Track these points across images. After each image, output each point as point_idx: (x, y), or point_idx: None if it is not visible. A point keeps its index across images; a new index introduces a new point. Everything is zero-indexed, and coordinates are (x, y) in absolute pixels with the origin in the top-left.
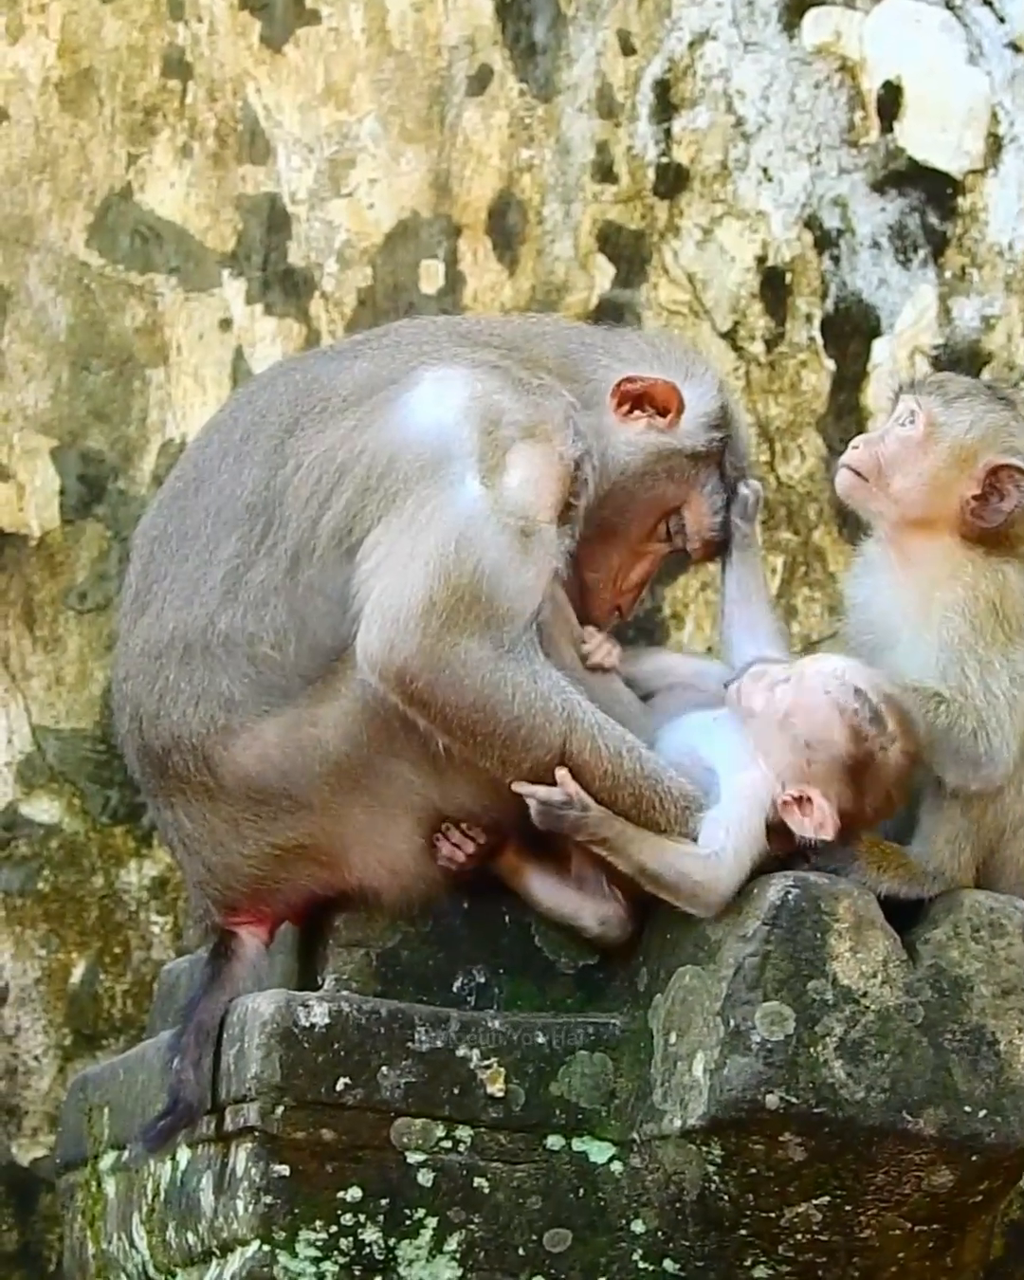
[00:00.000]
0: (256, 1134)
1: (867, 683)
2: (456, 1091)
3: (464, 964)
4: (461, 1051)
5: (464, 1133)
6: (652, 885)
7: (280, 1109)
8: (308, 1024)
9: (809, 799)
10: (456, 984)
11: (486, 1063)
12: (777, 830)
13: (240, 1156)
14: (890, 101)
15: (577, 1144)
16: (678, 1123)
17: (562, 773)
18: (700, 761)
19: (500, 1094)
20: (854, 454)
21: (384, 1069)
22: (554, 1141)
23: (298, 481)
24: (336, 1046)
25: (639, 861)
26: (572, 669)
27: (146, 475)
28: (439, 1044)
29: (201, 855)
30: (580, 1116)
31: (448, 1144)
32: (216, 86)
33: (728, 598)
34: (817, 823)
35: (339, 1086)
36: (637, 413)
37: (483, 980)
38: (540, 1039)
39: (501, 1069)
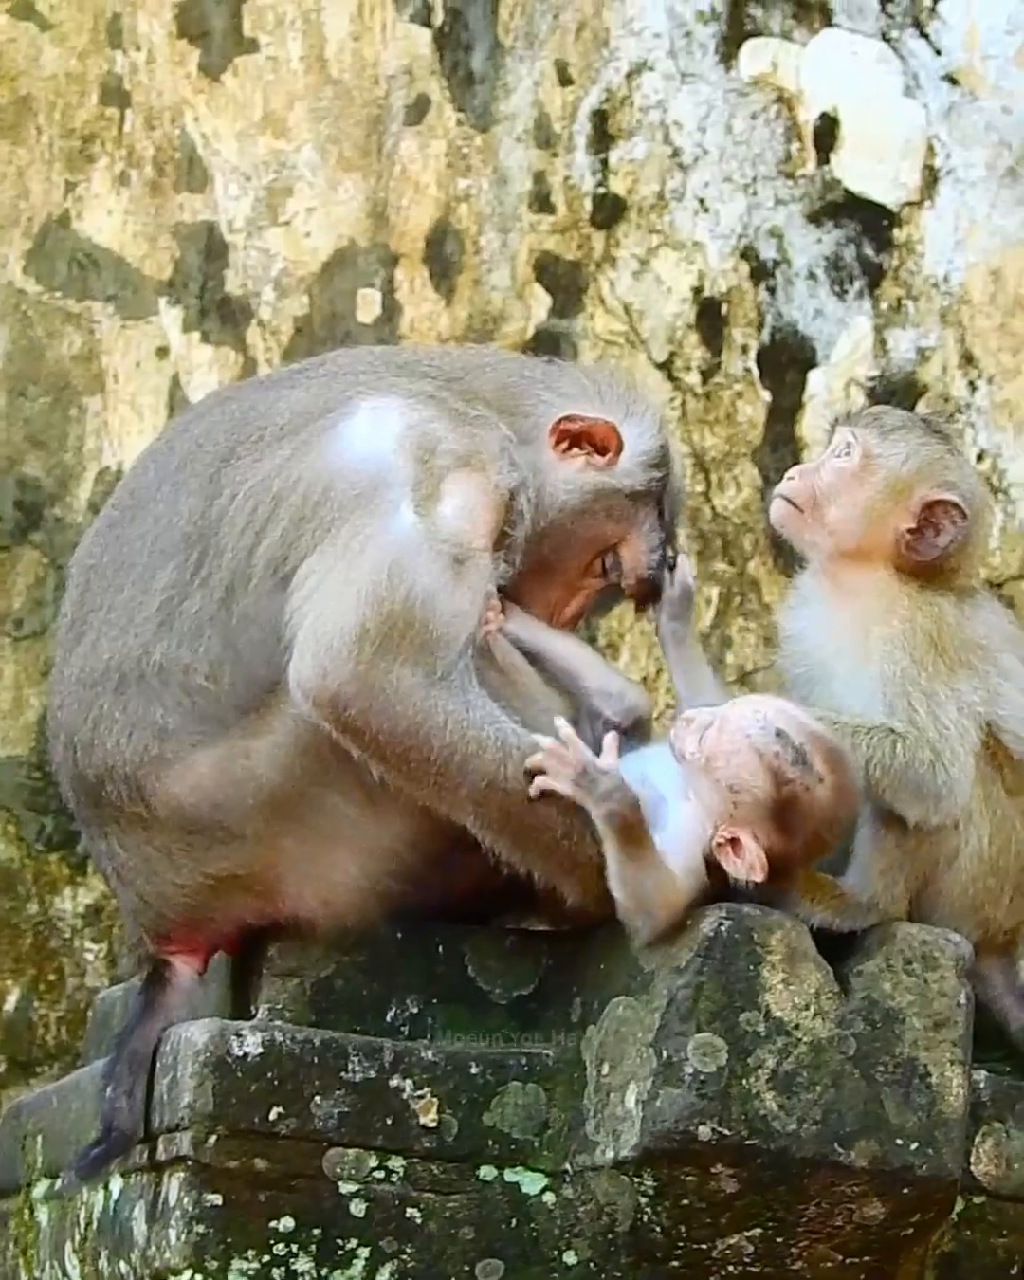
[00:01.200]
0: (189, 1163)
1: (791, 723)
2: (390, 1121)
3: (398, 994)
4: (395, 1081)
5: (397, 1163)
6: (617, 885)
7: (213, 1138)
8: (241, 1053)
9: (739, 841)
10: (390, 1014)
11: (420, 1093)
12: (713, 866)
13: (173, 1185)
14: (827, 133)
15: (509, 1175)
16: (610, 1154)
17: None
18: (653, 789)
19: (433, 1124)
20: (790, 484)
21: (317, 1099)
22: (487, 1172)
23: (233, 511)
24: (270, 1076)
25: (622, 857)
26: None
27: (83, 503)
28: (372, 1074)
29: (135, 885)
30: (513, 1147)
31: (380, 1174)
32: (154, 115)
33: (679, 692)
34: (747, 865)
35: (272, 1116)
36: (575, 451)
37: (417, 1010)
38: (474, 1069)
39: (435, 1099)
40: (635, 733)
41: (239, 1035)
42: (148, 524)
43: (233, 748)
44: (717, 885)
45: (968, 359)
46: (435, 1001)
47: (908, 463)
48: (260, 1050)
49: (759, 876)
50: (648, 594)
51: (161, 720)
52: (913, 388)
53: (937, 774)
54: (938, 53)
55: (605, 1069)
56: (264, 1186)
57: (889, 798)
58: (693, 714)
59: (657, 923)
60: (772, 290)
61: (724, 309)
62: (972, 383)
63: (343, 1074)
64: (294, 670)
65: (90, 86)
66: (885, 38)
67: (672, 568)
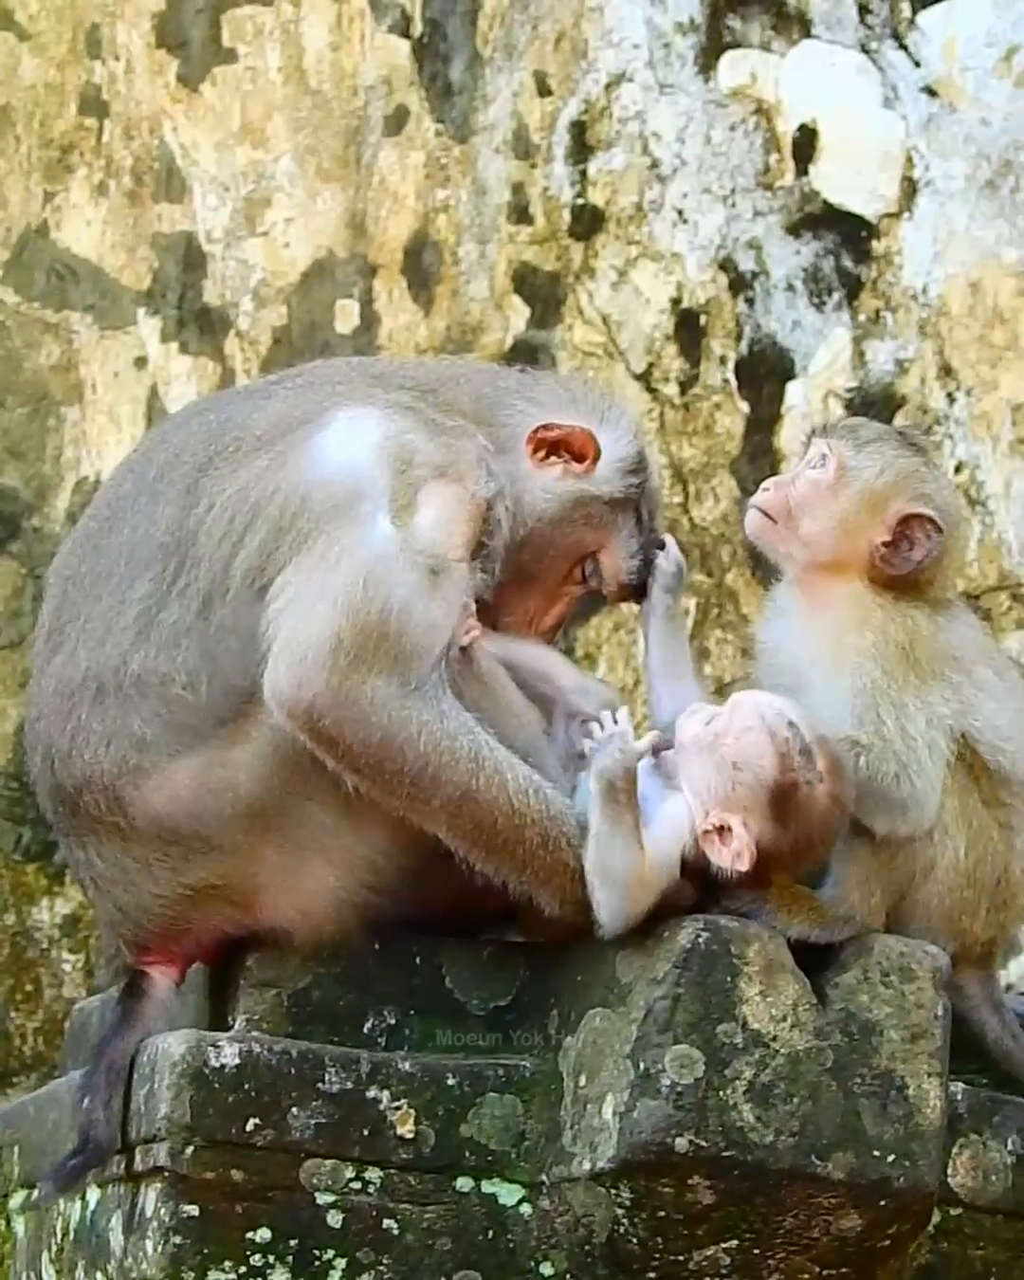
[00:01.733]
0: (166, 1174)
1: (802, 721)
2: (366, 1133)
3: (375, 1005)
4: (372, 1093)
5: (374, 1174)
6: (591, 856)
7: (190, 1149)
8: (218, 1064)
9: (729, 828)
10: (368, 1025)
11: (397, 1104)
12: (691, 869)
13: (150, 1196)
14: (806, 144)
15: (486, 1186)
16: (587, 1165)
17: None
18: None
19: (410, 1135)
20: (765, 496)
21: (294, 1110)
22: (464, 1183)
23: (211, 521)
24: (247, 1087)
25: (606, 821)
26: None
27: (61, 513)
28: (349, 1085)
29: (113, 895)
30: (490, 1158)
31: (357, 1185)
32: (133, 125)
33: (653, 669)
34: (734, 851)
35: (249, 1127)
36: (553, 459)
37: (394, 1021)
38: (450, 1080)
39: (412, 1110)
40: None
41: (216, 1046)
42: (125, 534)
43: (211, 758)
44: (694, 891)
45: (946, 371)
46: (413, 1013)
47: (883, 475)
48: (237, 1061)
49: (744, 866)
50: (627, 599)
51: (139, 731)
52: (891, 399)
53: (901, 786)
54: (917, 64)
55: (582, 1080)
56: (241, 1197)
57: (857, 809)
58: (700, 706)
59: (620, 903)
60: (750, 302)
61: (702, 320)
62: (950, 394)
63: (320, 1085)
64: (269, 680)
65: (68, 96)
66: (864, 49)
67: (661, 547)
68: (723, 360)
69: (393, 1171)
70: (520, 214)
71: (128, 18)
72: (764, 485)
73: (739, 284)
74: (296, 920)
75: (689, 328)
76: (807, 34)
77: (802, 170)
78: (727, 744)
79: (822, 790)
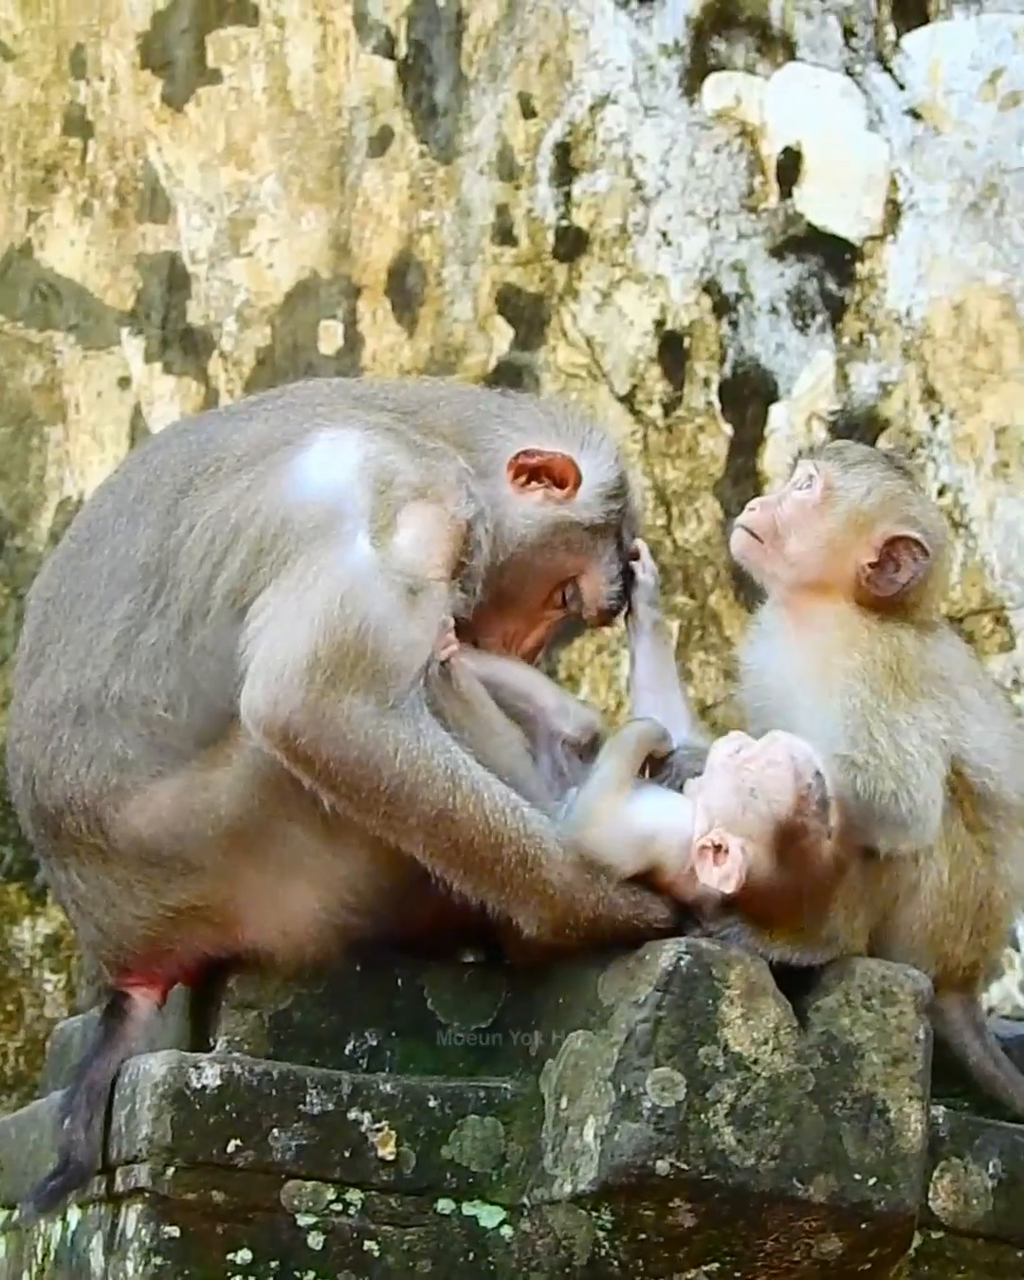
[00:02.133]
0: (147, 1195)
1: (830, 776)
2: (348, 1154)
3: (357, 1027)
4: (353, 1114)
5: (355, 1196)
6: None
7: (171, 1171)
8: (199, 1085)
9: (726, 848)
10: (349, 1047)
11: (378, 1126)
12: (673, 884)
13: (131, 1217)
14: (790, 167)
15: (467, 1208)
16: (568, 1187)
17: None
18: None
19: (391, 1157)
20: (750, 515)
21: (275, 1131)
22: (445, 1205)
23: (191, 542)
24: (228, 1108)
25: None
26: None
27: (44, 533)
28: (330, 1107)
29: (94, 916)
30: (471, 1180)
31: (339, 1207)
32: (117, 145)
33: (640, 684)
34: (724, 872)
35: (230, 1149)
36: (534, 484)
37: (376, 1043)
38: (432, 1102)
39: (393, 1132)
40: (591, 749)
41: (197, 1067)
42: (105, 555)
43: (192, 779)
44: (669, 912)
45: (930, 393)
46: (394, 1035)
47: (870, 497)
48: (218, 1083)
49: (730, 888)
50: (607, 623)
51: (121, 752)
52: (875, 422)
53: (900, 802)
54: (901, 87)
55: (564, 1103)
56: (221, 1219)
57: (859, 830)
58: (738, 735)
59: (576, 837)
60: (734, 324)
61: (686, 342)
62: (933, 417)
63: (300, 1106)
64: (245, 699)
65: (53, 116)
66: (849, 72)
67: (636, 557)
68: (706, 382)
69: (374, 1193)
70: (504, 235)
71: (113, 38)
72: (750, 505)
73: (723, 306)
74: (277, 941)
75: (673, 350)
76: (791, 57)
77: (786, 193)
78: (751, 771)
79: (828, 846)
